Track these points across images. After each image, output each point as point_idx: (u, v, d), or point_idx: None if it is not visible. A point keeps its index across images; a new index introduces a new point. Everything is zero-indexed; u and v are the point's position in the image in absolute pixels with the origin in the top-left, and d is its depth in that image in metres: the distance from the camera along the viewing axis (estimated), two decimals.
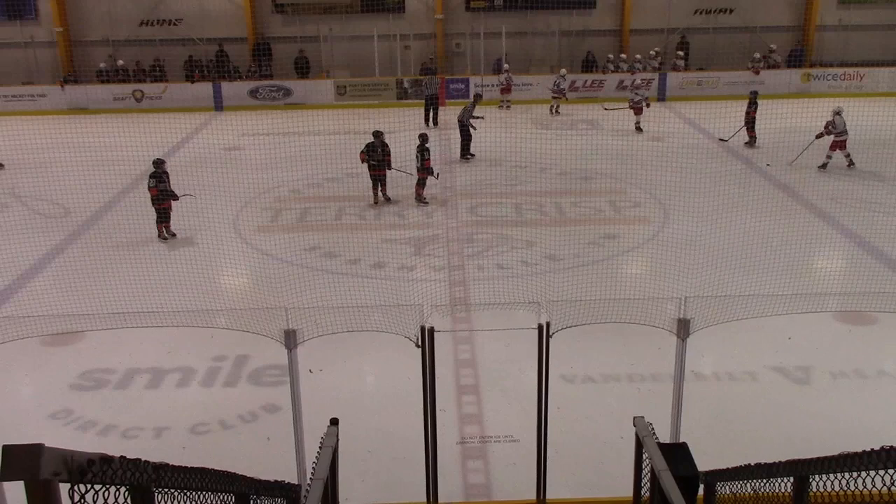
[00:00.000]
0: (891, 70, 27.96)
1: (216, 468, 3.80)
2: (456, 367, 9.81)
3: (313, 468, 5.02)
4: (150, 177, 14.28)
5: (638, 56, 28.24)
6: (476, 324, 10.71)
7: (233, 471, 4.04)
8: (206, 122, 25.60)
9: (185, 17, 28.59)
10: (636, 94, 23.53)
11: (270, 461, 7.42)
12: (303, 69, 28.48)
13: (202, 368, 9.93)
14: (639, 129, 22.97)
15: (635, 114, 23.10)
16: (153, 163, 14.47)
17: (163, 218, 14.36)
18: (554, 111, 26.04)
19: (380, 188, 16.40)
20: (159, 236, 14.34)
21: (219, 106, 27.34)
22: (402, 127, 21.80)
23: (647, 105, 23.22)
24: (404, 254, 13.72)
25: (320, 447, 5.30)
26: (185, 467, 3.24)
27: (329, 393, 9.02)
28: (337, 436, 5.59)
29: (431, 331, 6.43)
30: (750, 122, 20.54)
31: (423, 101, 24.48)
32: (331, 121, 22.75)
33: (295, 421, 6.77)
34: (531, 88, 27.74)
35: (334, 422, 5.75)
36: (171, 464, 3.03)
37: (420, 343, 6.45)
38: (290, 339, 6.56)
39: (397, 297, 11.30)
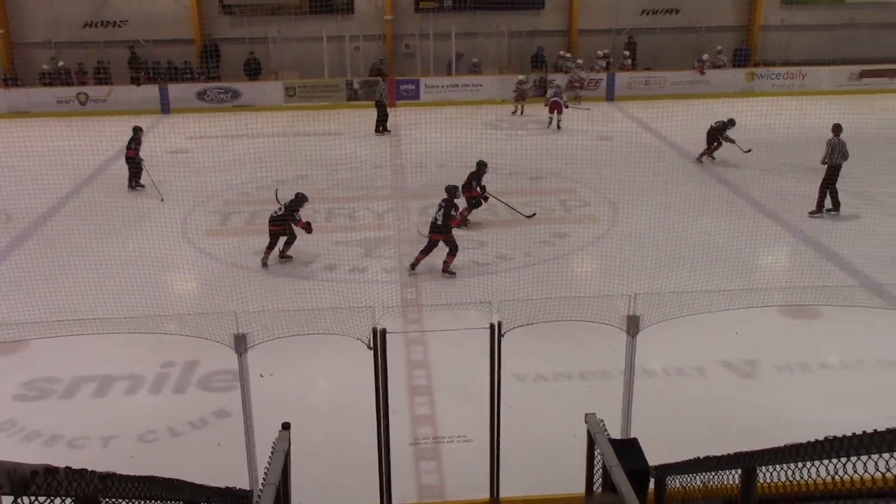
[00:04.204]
0: (831, 69, 28.60)
1: (165, 476, 3.75)
2: (408, 368, 9.81)
3: (265, 473, 4.99)
4: (294, 210, 13.24)
5: (579, 60, 28.34)
6: (428, 324, 10.71)
7: (182, 478, 3.99)
8: (153, 124, 25.17)
9: (130, 18, 28.12)
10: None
11: (221, 468, 7.35)
12: (253, 71, 28.23)
13: (150, 375, 9.78)
14: (558, 126, 23.30)
15: (551, 110, 23.40)
16: (300, 197, 13.41)
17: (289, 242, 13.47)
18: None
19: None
20: (280, 254, 13.47)
21: (165, 108, 26.96)
22: (352, 129, 21.77)
23: (566, 105, 23.56)
24: (355, 256, 13.67)
25: (272, 452, 5.26)
26: (133, 476, 3.20)
27: (280, 397, 8.94)
28: (289, 440, 5.56)
29: (383, 332, 6.42)
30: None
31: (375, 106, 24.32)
32: (280, 122, 22.60)
33: (246, 426, 6.72)
34: (480, 89, 27.84)
35: (286, 426, 5.72)
36: (118, 473, 2.99)
37: (372, 345, 6.43)
38: (240, 344, 6.51)
39: (349, 300, 11.25)
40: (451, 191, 13.15)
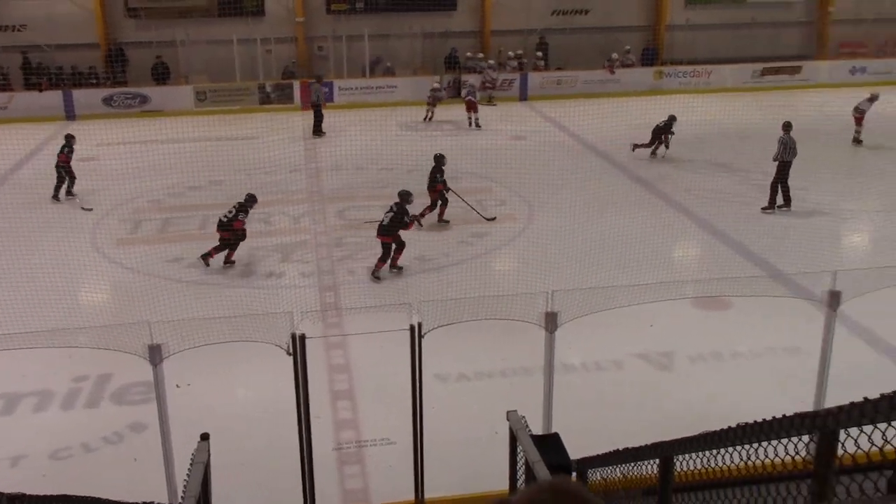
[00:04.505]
0: (734, 67, 29.50)
1: (79, 495, 3.64)
2: (329, 372, 9.73)
3: (184, 486, 4.88)
4: (241, 210, 13.15)
5: (491, 61, 28.53)
6: (348, 328, 10.64)
7: (98, 496, 3.88)
8: (58, 132, 24.28)
9: (30, 23, 27.13)
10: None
11: (139, 483, 7.18)
12: (161, 75, 27.56)
13: (61, 390, 9.46)
14: (477, 125, 23.77)
15: (467, 110, 23.83)
16: (250, 198, 13.43)
17: (232, 247, 13.23)
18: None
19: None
20: (204, 256, 13.16)
21: (70, 115, 26.08)
22: (266, 133, 21.48)
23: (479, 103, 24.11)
24: (272, 261, 13.50)
25: (191, 464, 5.15)
26: (45, 496, 3.10)
27: (199, 407, 8.76)
28: (208, 451, 5.45)
29: (302, 338, 6.37)
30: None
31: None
32: (191, 128, 22.08)
33: (163, 439, 6.57)
34: (395, 91, 27.81)
35: (205, 437, 5.61)
36: (28, 494, 2.89)
37: (291, 351, 6.37)
38: (155, 354, 6.36)
39: (267, 306, 11.10)
40: (404, 196, 13.05)
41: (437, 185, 15.04)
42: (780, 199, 15.61)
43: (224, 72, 27.52)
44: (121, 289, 12.64)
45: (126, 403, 9.20)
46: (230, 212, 13.16)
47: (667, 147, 19.50)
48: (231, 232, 13.07)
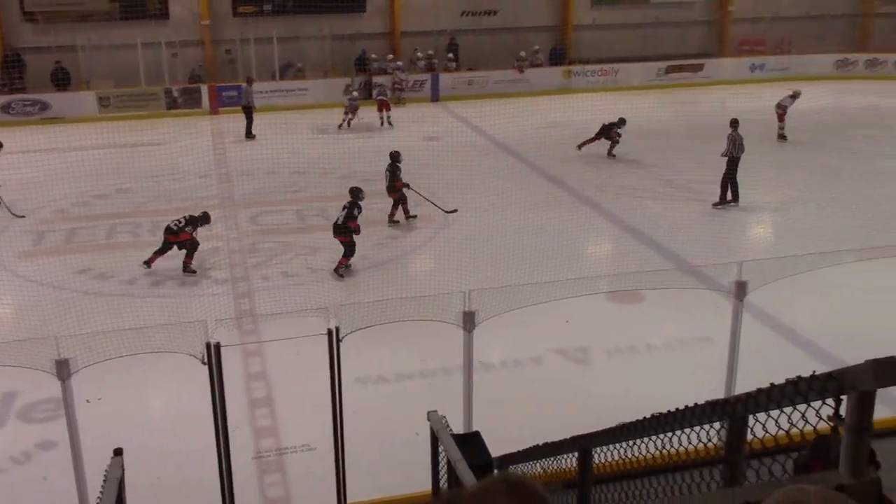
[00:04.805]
0: (638, 66, 30.20)
1: None
2: (247, 380, 9.57)
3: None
4: (189, 223, 12.97)
5: (399, 62, 28.45)
6: (264, 335, 10.48)
7: None
8: None
9: None
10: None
11: (50, 502, 6.93)
12: (61, 81, 26.64)
13: None
14: (389, 123, 24.20)
15: (379, 109, 24.18)
16: (204, 216, 13.27)
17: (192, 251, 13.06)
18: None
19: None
20: (186, 270, 12.97)
21: None
22: (174, 139, 20.99)
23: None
24: None
25: (104, 481, 5.00)
26: None
27: (112, 422, 8.50)
28: (122, 466, 5.30)
29: (217, 346, 6.25)
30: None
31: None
32: (95, 134, 21.44)
33: (74, 456, 6.36)
34: (306, 93, 27.55)
35: (118, 452, 5.45)
36: None
37: (206, 360, 6.25)
38: (63, 369, 6.16)
39: (180, 315, 10.84)
40: (355, 192, 13.01)
41: (398, 183, 15.02)
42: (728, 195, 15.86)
43: (128, 76, 26.79)
44: (25, 302, 12.17)
45: (33, 421, 8.86)
46: (180, 221, 12.94)
47: (616, 142, 19.76)
48: (179, 238, 12.88)
